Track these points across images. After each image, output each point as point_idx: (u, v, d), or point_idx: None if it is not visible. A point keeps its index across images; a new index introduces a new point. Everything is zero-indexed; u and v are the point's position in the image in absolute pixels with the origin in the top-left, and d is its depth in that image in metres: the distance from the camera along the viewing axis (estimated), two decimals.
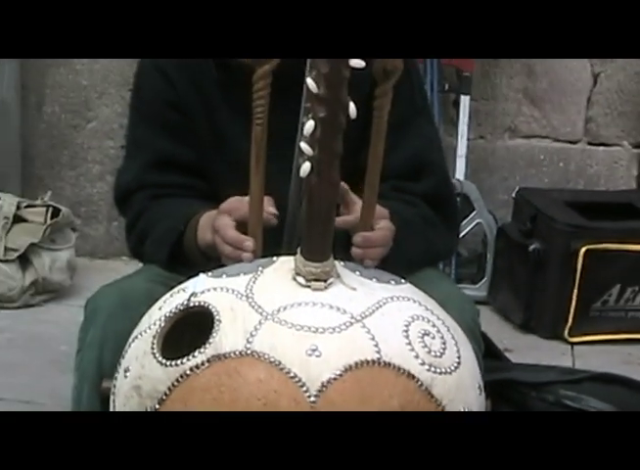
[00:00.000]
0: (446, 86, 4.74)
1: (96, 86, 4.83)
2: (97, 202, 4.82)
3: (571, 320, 4.44)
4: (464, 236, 4.65)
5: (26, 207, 4.62)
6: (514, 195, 4.72)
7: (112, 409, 2.62)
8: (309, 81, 2.44)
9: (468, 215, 4.65)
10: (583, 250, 4.41)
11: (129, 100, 3.20)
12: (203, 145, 3.03)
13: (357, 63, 2.43)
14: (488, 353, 3.06)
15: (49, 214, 4.61)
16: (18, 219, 4.58)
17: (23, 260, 4.53)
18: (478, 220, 4.70)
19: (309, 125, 2.46)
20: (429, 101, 3.37)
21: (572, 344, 4.44)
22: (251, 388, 2.43)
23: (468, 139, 4.74)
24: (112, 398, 2.62)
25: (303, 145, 2.49)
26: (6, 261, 4.50)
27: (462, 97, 4.74)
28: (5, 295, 4.48)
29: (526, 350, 4.23)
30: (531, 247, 4.49)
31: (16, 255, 4.52)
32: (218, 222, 2.79)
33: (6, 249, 4.51)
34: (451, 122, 4.73)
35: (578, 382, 3.24)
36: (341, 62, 2.41)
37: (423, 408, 2.48)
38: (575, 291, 4.43)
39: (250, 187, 2.71)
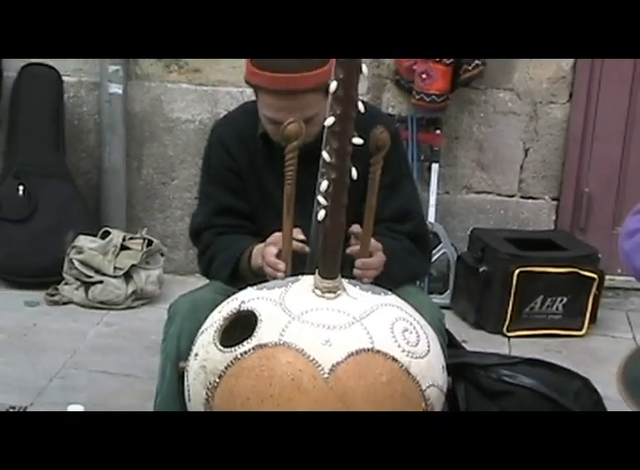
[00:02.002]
0: (422, 157, 4.70)
1: (179, 155, 4.81)
2: (179, 236, 4.79)
3: (508, 320, 4.40)
4: (434, 262, 4.60)
5: (129, 239, 4.60)
6: (469, 233, 4.69)
7: (185, 382, 2.62)
8: (324, 154, 2.45)
9: (436, 247, 4.62)
10: (517, 271, 4.37)
11: (201, 165, 3.19)
12: (251, 198, 3.01)
13: (357, 141, 2.44)
14: (450, 344, 3.03)
15: (145, 244, 4.60)
16: (123, 248, 4.56)
17: (127, 276, 4.51)
18: (444, 250, 4.67)
19: (324, 184, 2.47)
20: (410, 167, 3.35)
21: (509, 337, 4.40)
22: (283, 367, 2.44)
23: (437, 194, 4.70)
24: (186, 374, 2.62)
25: (320, 198, 2.50)
26: (115, 277, 4.49)
27: (433, 164, 4.70)
28: (114, 300, 4.47)
29: (477, 341, 4.20)
30: (481, 269, 4.46)
31: (121, 272, 4.50)
32: (265, 250, 2.80)
33: (115, 268, 4.50)
34: (426, 182, 4.69)
35: (514, 364, 3.20)
36: (346, 140, 2.41)
37: (403, 383, 2.48)
38: (511, 300, 4.39)
39: (282, 227, 2.72)
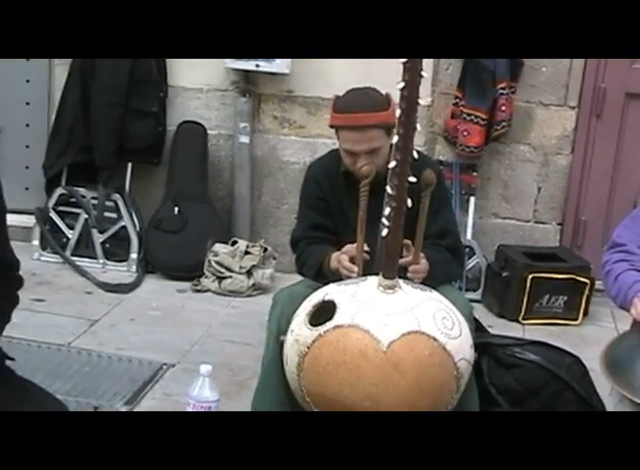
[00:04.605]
0: (463, 192, 4.61)
1: (287, 187, 4.78)
2: (286, 245, 4.62)
3: (523, 312, 4.28)
4: (470, 268, 4.55)
5: (251, 246, 4.58)
6: (495, 248, 4.59)
7: (284, 351, 2.57)
8: (388, 188, 2.41)
9: (472, 257, 4.53)
10: (530, 276, 4.27)
11: (300, 194, 3.14)
12: (334, 218, 2.97)
13: (412, 179, 2.38)
14: (477, 328, 2.95)
15: (262, 250, 4.57)
16: (246, 252, 4.54)
17: (249, 273, 4.48)
18: (477, 260, 4.57)
19: (387, 210, 2.42)
20: (450, 199, 3.29)
21: (524, 325, 4.28)
22: (354, 342, 2.39)
23: (473, 219, 4.62)
24: (284, 345, 2.58)
25: (384, 220, 2.45)
26: (240, 273, 4.46)
27: (471, 197, 4.61)
28: (239, 290, 4.45)
29: (500, 327, 4.09)
30: (504, 274, 4.35)
31: (245, 270, 4.47)
32: (340, 257, 2.75)
33: (240, 267, 4.47)
34: (465, 210, 4.60)
35: (523, 344, 3.10)
36: (404, 179, 2.35)
37: (441, 356, 2.41)
38: (525, 297, 4.28)
39: (356, 241, 2.67)
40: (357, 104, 2.76)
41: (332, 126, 2.86)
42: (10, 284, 2.26)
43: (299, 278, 3.07)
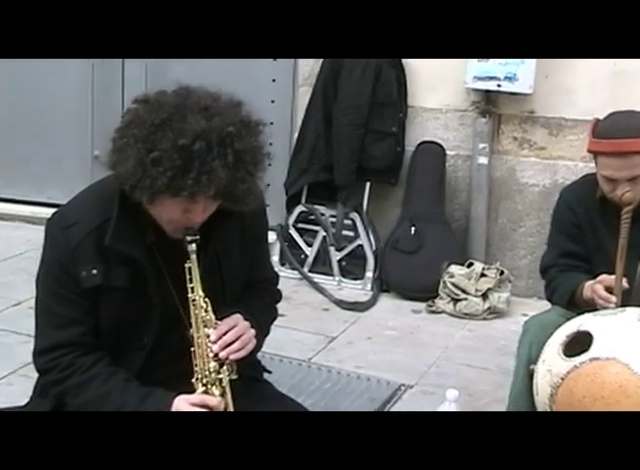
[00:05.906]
0: None
1: (525, 210, 4.70)
2: (522, 268, 4.69)
3: None
4: None
5: (487, 269, 4.53)
6: None
7: (534, 380, 2.51)
8: None
9: None
10: None
11: (550, 220, 3.03)
12: (587, 245, 2.85)
13: None
14: None
15: (498, 273, 4.51)
16: (482, 275, 4.50)
17: (484, 296, 4.44)
18: None
19: None
20: None
21: None
22: (613, 377, 2.30)
23: None
24: (535, 374, 2.52)
25: None
26: (475, 296, 4.42)
27: None
28: (474, 313, 4.40)
29: None
30: None
31: (480, 293, 4.43)
32: (595, 287, 2.65)
33: (476, 290, 4.43)
34: None
35: None
36: None
37: None
38: None
39: (616, 270, 2.57)
40: (619, 129, 2.65)
41: (590, 151, 2.77)
42: (271, 297, 2.35)
43: (539, 303, 3.00)
